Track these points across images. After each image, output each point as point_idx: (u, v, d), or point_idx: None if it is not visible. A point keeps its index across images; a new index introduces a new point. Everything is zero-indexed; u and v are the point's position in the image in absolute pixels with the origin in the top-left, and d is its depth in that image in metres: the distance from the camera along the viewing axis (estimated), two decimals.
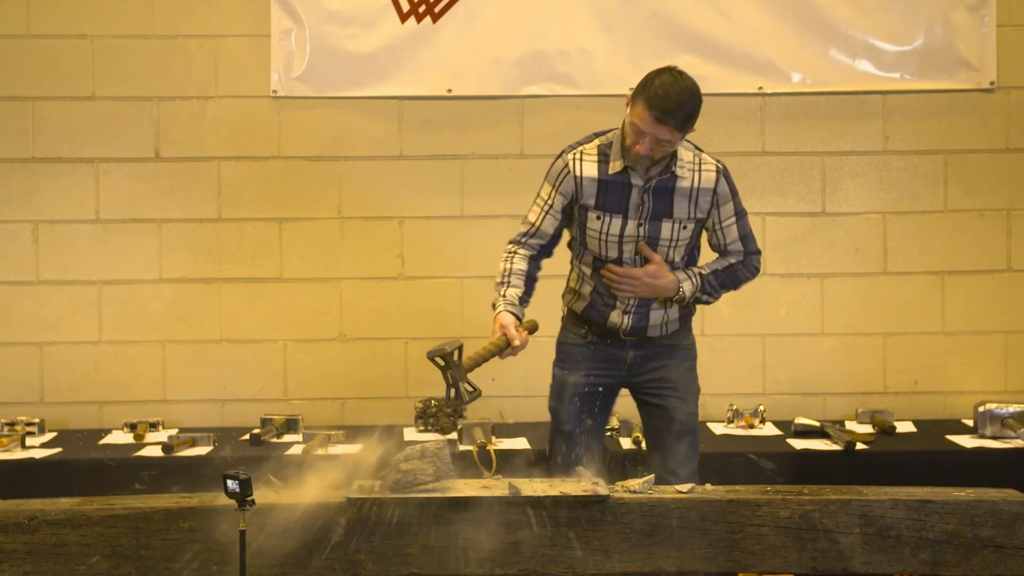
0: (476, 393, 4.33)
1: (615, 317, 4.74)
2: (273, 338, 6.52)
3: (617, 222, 4.62)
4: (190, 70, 6.46)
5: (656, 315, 4.74)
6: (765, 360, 6.55)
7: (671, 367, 4.81)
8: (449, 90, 6.46)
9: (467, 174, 6.50)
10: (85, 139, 6.43)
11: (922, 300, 6.54)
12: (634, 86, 6.29)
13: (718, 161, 4.70)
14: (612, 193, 4.61)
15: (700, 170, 4.63)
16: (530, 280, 4.67)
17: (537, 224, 4.71)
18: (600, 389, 4.81)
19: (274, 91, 6.45)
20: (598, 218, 4.64)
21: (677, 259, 4.70)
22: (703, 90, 6.36)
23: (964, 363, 6.55)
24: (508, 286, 4.61)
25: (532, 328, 4.59)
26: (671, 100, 4.39)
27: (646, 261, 4.65)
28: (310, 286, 6.51)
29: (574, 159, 4.64)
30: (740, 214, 4.74)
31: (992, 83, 6.44)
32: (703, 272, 4.72)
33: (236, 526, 3.48)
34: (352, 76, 6.46)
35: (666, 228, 4.62)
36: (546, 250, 4.76)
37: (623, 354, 4.79)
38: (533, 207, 4.74)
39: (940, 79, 6.46)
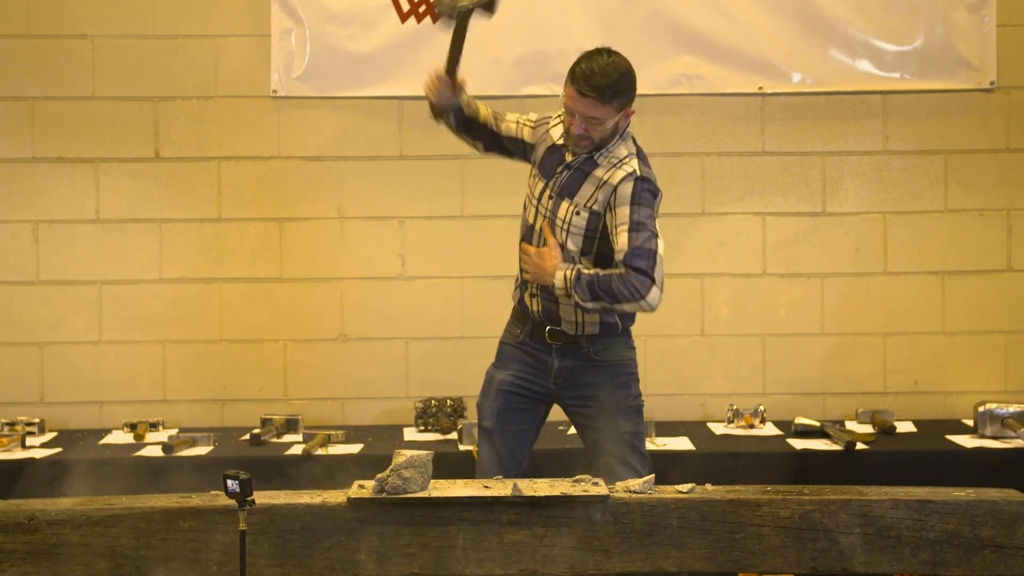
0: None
1: (527, 300, 4.78)
2: (273, 338, 6.52)
3: (540, 185, 4.74)
4: (190, 70, 6.47)
5: (567, 309, 4.66)
6: (765, 360, 6.55)
7: (598, 385, 4.71)
8: None
9: (467, 174, 6.50)
10: (85, 139, 6.43)
11: (922, 300, 6.54)
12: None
13: (643, 171, 4.61)
14: (550, 158, 4.75)
15: (616, 167, 4.60)
16: (475, 110, 4.96)
17: (504, 116, 4.98)
18: (525, 392, 4.78)
19: (274, 91, 6.46)
20: (532, 175, 4.81)
21: (571, 247, 4.62)
22: (703, 90, 6.41)
23: (964, 363, 6.55)
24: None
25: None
26: (595, 74, 4.48)
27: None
28: (310, 286, 6.52)
29: (551, 121, 4.84)
30: (636, 226, 4.50)
31: (992, 83, 6.44)
32: (583, 272, 4.51)
33: (236, 526, 3.47)
34: (352, 76, 6.46)
35: (563, 207, 4.62)
36: (492, 132, 4.98)
37: (550, 361, 4.74)
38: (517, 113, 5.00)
39: (940, 79, 6.46)
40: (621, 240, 4.50)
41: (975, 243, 6.51)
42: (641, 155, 4.68)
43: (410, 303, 6.51)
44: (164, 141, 6.46)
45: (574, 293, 4.50)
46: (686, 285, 6.42)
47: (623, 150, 4.64)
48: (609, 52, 4.57)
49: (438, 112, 4.92)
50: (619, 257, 4.49)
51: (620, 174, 4.57)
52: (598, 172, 4.60)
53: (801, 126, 6.50)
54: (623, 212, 4.53)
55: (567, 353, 4.73)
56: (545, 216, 4.68)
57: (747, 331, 6.52)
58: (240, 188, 6.48)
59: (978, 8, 6.40)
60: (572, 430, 5.61)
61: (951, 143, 6.49)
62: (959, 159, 6.49)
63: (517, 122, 4.93)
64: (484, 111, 4.95)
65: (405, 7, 6.41)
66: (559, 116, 4.77)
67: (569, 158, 4.66)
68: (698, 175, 6.49)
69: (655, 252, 4.47)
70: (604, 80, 4.47)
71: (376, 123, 6.49)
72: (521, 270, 4.79)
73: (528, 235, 4.77)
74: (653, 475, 3.98)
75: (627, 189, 4.55)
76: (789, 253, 6.52)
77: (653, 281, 4.44)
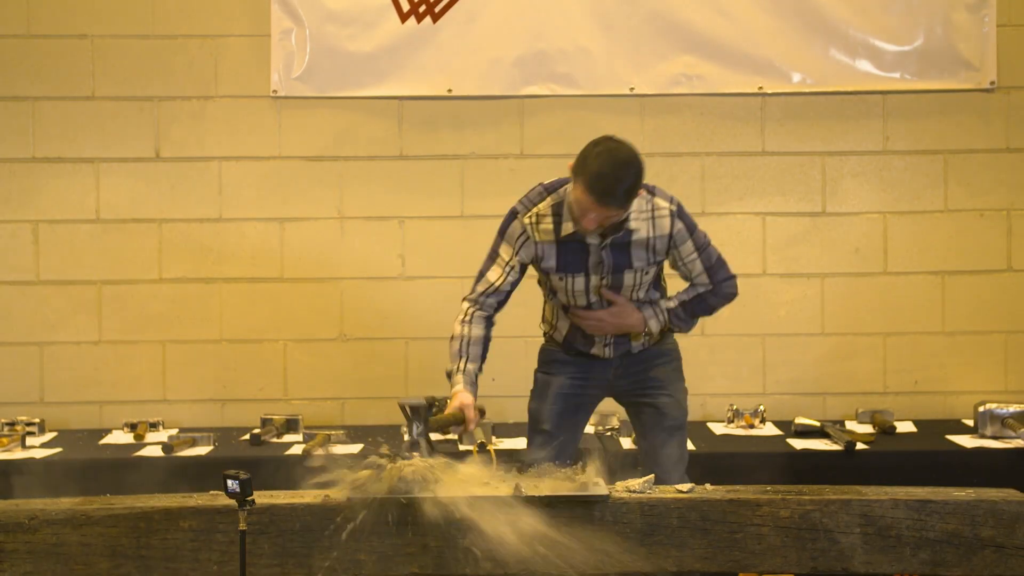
0: (435, 453, 4.10)
1: (597, 350, 4.76)
2: (273, 338, 6.52)
3: (580, 279, 4.61)
4: (190, 70, 6.47)
5: (637, 337, 4.75)
6: (765, 360, 6.55)
7: (657, 367, 4.79)
8: (449, 90, 6.46)
9: (467, 174, 6.50)
10: (85, 139, 6.44)
11: (922, 300, 6.54)
12: (634, 87, 6.39)
13: (671, 201, 4.59)
14: (570, 253, 4.58)
15: (654, 218, 4.55)
16: (486, 344, 4.61)
17: (497, 284, 4.62)
18: (583, 393, 4.80)
19: (274, 91, 6.46)
20: (560, 279, 4.63)
21: (643, 295, 4.68)
22: (703, 90, 6.41)
23: (964, 363, 6.55)
24: (467, 359, 4.54)
25: (482, 411, 4.57)
26: (609, 180, 4.25)
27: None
28: (310, 286, 6.52)
29: (530, 223, 4.57)
30: (701, 248, 4.63)
31: (992, 83, 6.44)
32: (671, 306, 4.69)
33: (236, 526, 3.47)
34: (352, 76, 6.46)
35: (628, 277, 4.60)
36: (502, 305, 4.70)
37: (608, 361, 4.79)
38: (493, 266, 4.65)
39: (940, 79, 6.46)
40: (697, 267, 4.67)
41: (975, 243, 6.51)
42: (649, 187, 4.60)
43: (410, 303, 6.51)
44: (164, 141, 6.46)
45: (677, 327, 4.74)
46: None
47: (639, 201, 4.53)
48: (617, 146, 4.33)
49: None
50: (702, 279, 4.68)
51: (664, 221, 4.56)
52: (638, 236, 4.54)
53: (801, 126, 6.50)
54: (688, 246, 4.62)
55: (626, 353, 4.80)
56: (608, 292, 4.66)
57: (747, 331, 6.52)
58: (240, 188, 6.48)
59: (978, 8, 6.40)
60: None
61: (951, 143, 6.49)
62: (959, 159, 6.49)
63: (505, 274, 4.64)
64: (487, 333, 4.66)
65: (405, 7, 6.41)
66: (531, 214, 4.58)
67: (593, 239, 4.52)
68: (698, 175, 6.49)
69: (721, 256, 4.71)
70: (619, 186, 4.27)
71: (376, 123, 6.49)
72: (568, 335, 4.79)
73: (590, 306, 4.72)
74: (653, 475, 3.97)
75: (680, 227, 4.59)
76: (789, 253, 6.53)
77: (734, 276, 4.75)
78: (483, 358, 4.59)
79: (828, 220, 6.52)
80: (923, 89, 6.46)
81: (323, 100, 6.48)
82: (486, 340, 4.60)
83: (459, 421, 4.42)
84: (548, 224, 4.56)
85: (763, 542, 3.77)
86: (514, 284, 4.65)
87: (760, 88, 6.46)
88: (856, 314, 6.55)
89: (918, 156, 6.50)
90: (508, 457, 5.31)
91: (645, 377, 4.78)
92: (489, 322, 4.64)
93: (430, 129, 6.49)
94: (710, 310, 4.75)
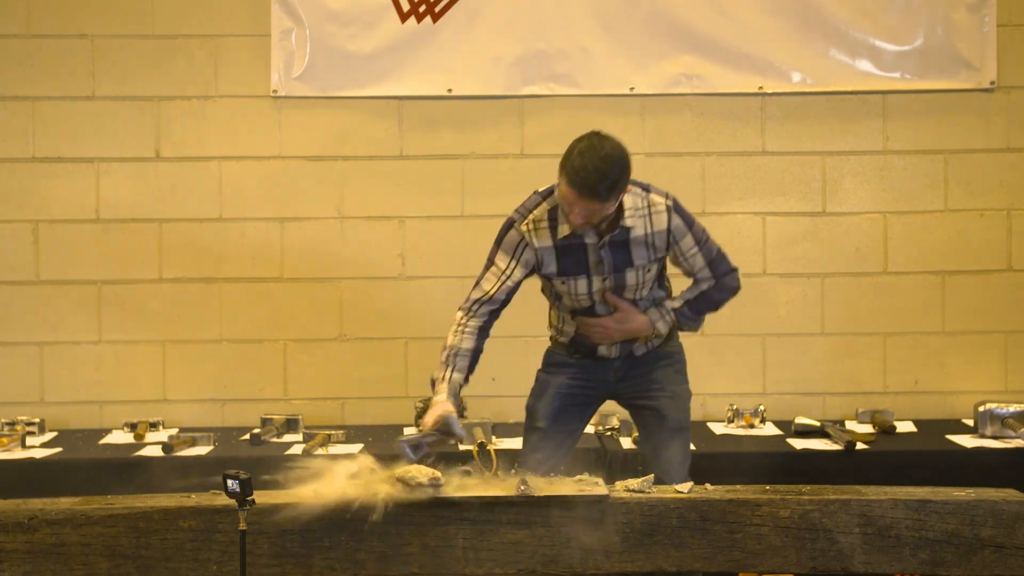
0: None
1: (603, 351, 4.76)
2: (273, 338, 6.52)
3: (582, 282, 4.61)
4: (190, 70, 6.46)
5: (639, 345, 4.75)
6: (765, 360, 6.55)
7: (659, 369, 4.78)
8: (449, 90, 6.46)
9: (467, 174, 6.50)
10: (85, 139, 6.43)
11: (922, 300, 6.54)
12: (634, 87, 6.40)
13: (667, 196, 4.59)
14: (569, 256, 4.58)
15: (650, 214, 4.55)
16: (476, 356, 4.58)
17: (492, 293, 4.61)
18: (581, 393, 4.79)
19: (274, 91, 6.45)
20: (563, 283, 4.62)
21: (646, 293, 4.68)
22: (703, 90, 6.41)
23: (964, 363, 6.55)
24: (452, 369, 4.51)
25: (463, 409, 4.67)
26: (590, 173, 4.26)
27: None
28: (310, 286, 6.51)
29: (528, 231, 4.57)
30: (701, 242, 4.64)
31: (992, 83, 6.44)
32: (676, 306, 4.70)
33: (236, 525, 3.47)
34: (352, 76, 6.46)
35: (630, 276, 4.60)
36: (497, 314, 4.67)
37: (611, 362, 4.78)
38: (487, 275, 4.63)
39: (940, 79, 6.46)
40: (698, 262, 4.68)
41: (975, 243, 6.51)
42: (643, 185, 4.61)
43: (410, 303, 6.51)
44: (164, 141, 6.46)
45: (685, 326, 4.75)
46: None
47: (634, 198, 4.54)
48: (600, 141, 4.34)
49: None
50: (704, 274, 4.69)
51: (660, 218, 4.56)
52: (636, 233, 4.54)
53: (801, 126, 6.50)
54: (688, 241, 4.62)
55: (628, 354, 4.79)
56: (612, 292, 4.64)
57: (747, 331, 6.52)
58: (240, 188, 6.48)
59: (978, 8, 6.40)
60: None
61: (951, 143, 6.49)
62: (959, 159, 6.49)
63: (500, 283, 4.62)
64: (479, 345, 4.62)
65: (405, 7, 6.40)
66: (528, 221, 4.58)
67: (591, 239, 4.53)
68: (698, 175, 6.49)
69: (721, 249, 4.71)
70: (601, 180, 4.27)
71: (376, 123, 6.49)
72: (575, 337, 4.79)
73: (587, 315, 4.72)
74: (652, 475, 3.98)
75: (677, 221, 4.59)
76: (789, 253, 6.52)
77: (736, 269, 4.76)
78: (470, 369, 4.56)
79: (828, 220, 6.52)
80: (923, 89, 6.46)
81: (323, 100, 6.48)
82: (476, 352, 4.57)
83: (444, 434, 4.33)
84: (545, 229, 4.56)
85: (763, 542, 3.78)
86: (510, 293, 4.62)
87: (760, 88, 6.46)
88: (856, 314, 6.55)
89: (918, 156, 6.50)
90: (509, 456, 5.34)
91: (647, 379, 4.77)
92: (482, 333, 4.61)
93: (430, 129, 6.49)
94: (715, 306, 4.76)
